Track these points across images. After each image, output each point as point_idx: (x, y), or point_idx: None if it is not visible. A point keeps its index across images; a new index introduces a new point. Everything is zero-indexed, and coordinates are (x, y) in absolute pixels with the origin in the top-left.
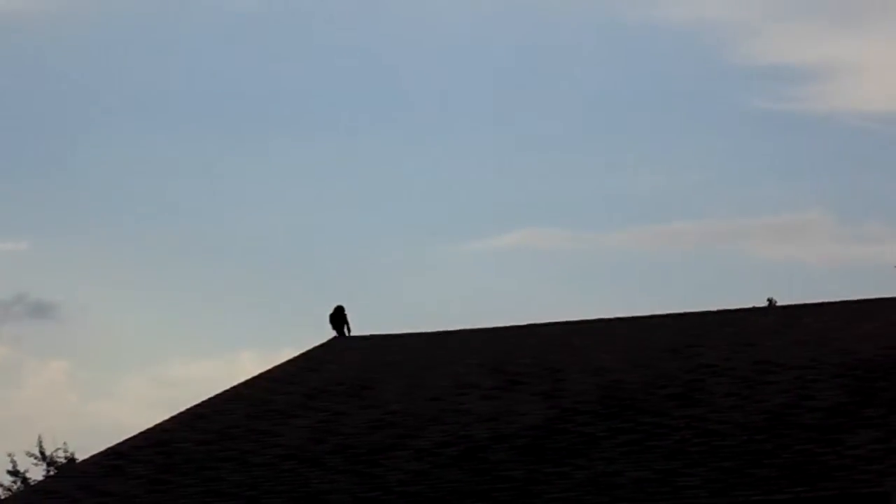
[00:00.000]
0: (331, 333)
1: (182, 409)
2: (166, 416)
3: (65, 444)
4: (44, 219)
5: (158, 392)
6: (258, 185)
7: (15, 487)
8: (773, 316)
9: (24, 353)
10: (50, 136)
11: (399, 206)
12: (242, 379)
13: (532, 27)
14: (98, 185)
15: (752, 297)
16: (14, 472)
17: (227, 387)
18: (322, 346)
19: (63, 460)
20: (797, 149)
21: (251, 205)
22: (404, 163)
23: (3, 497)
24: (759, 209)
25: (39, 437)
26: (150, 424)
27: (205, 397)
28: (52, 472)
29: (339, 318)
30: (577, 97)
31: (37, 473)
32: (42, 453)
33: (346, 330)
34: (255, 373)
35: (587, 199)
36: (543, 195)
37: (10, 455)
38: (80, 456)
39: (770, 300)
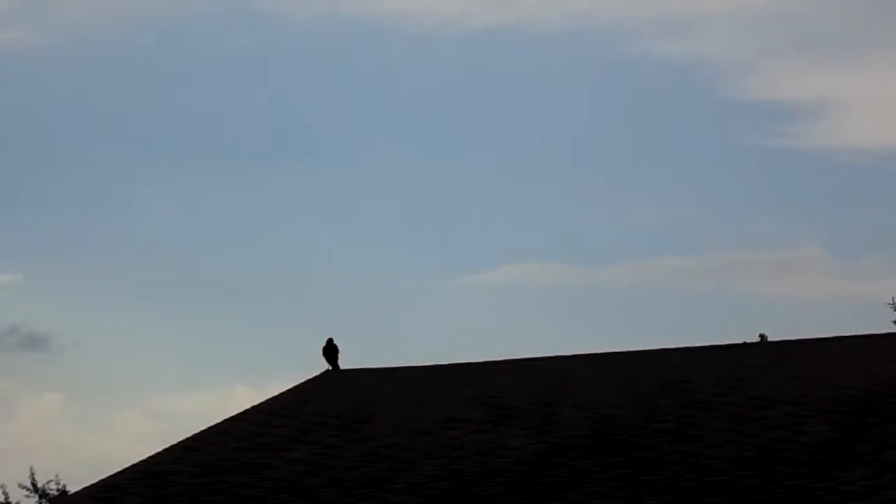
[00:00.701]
0: (324, 366)
1: (175, 442)
2: (159, 449)
3: (57, 476)
4: (38, 251)
5: (151, 425)
6: (252, 221)
7: None
8: (765, 351)
9: (17, 385)
10: (44, 170)
11: (392, 240)
12: (235, 412)
13: (529, 61)
14: (91, 218)
15: (746, 333)
16: None
17: (220, 420)
18: (315, 379)
19: (55, 492)
20: (793, 185)
21: (245, 239)
22: (398, 198)
23: None
24: (755, 245)
25: (31, 470)
26: (144, 457)
27: (198, 431)
28: None
29: (331, 350)
30: (573, 131)
31: None
32: (34, 485)
33: (335, 364)
34: (249, 406)
35: (581, 235)
36: (537, 230)
37: (1, 486)
38: (73, 488)
39: (762, 336)
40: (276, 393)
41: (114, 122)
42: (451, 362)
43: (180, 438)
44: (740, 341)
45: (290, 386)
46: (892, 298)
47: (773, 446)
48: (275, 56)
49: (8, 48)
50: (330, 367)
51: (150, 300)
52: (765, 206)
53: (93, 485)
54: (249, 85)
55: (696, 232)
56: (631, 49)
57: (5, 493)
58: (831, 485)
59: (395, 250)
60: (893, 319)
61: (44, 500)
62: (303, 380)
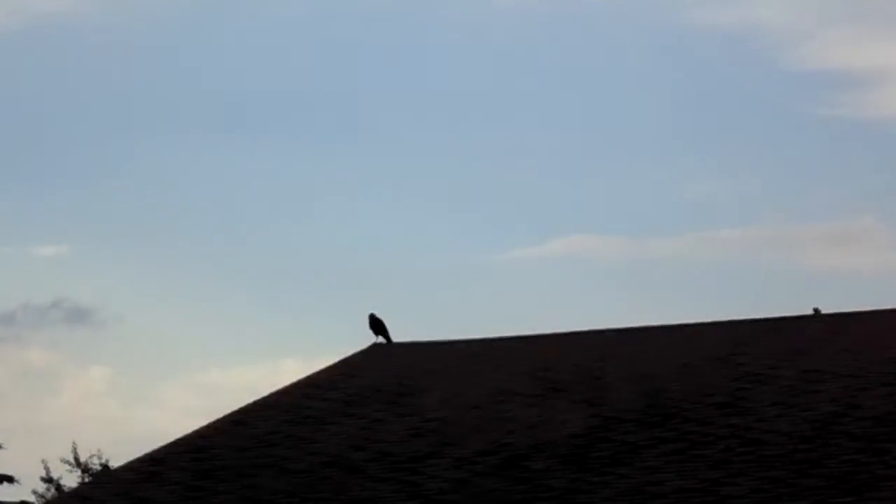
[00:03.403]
0: (373, 339)
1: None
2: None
3: (99, 450)
4: (84, 224)
5: (199, 399)
6: (300, 193)
7: (49, 494)
8: (820, 324)
9: (62, 359)
10: (91, 143)
11: (445, 212)
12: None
13: (583, 30)
14: (139, 191)
15: (802, 306)
16: (48, 479)
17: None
18: (361, 352)
19: (98, 467)
20: (850, 155)
21: (295, 211)
22: (449, 169)
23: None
24: (811, 216)
25: (74, 444)
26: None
27: (244, 404)
28: (86, 479)
29: (377, 324)
30: (626, 101)
31: (71, 480)
32: (76, 460)
33: (387, 336)
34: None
35: (635, 206)
36: (590, 202)
37: (43, 462)
38: (115, 463)
39: (816, 310)
40: (323, 367)
41: (159, 92)
42: (499, 336)
43: (226, 412)
44: (794, 314)
45: (339, 360)
46: None
47: (828, 420)
48: (326, 24)
49: (53, 17)
50: (383, 340)
51: (198, 273)
52: (821, 176)
53: (136, 459)
54: (302, 53)
55: (752, 203)
56: (686, 18)
57: (47, 468)
58: (887, 459)
59: (450, 222)
60: None
61: (86, 475)
62: (351, 353)
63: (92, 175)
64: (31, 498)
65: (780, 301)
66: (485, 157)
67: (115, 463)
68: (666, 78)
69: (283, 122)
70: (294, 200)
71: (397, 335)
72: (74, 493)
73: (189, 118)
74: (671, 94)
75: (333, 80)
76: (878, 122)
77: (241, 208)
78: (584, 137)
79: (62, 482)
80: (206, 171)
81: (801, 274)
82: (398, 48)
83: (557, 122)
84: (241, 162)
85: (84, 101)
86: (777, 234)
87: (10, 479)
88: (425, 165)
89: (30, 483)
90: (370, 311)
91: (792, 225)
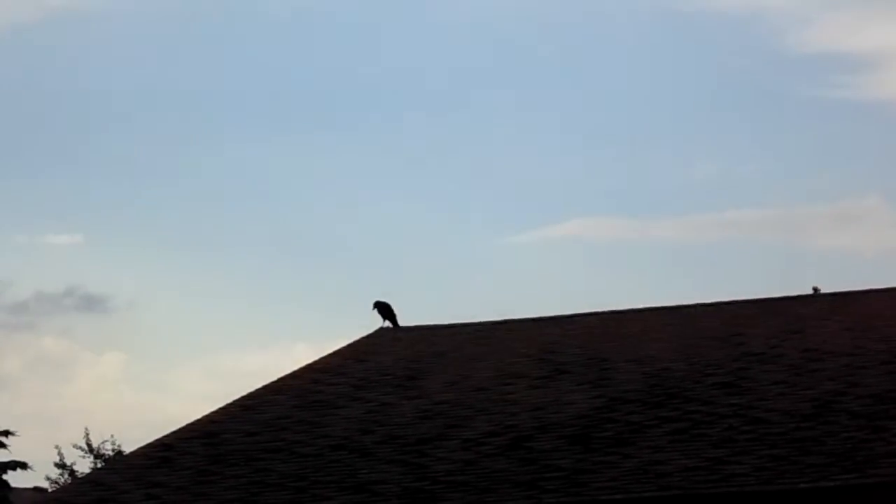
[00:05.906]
0: (380, 324)
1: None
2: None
3: (112, 436)
4: (97, 213)
5: (213, 384)
6: (315, 179)
7: (62, 480)
8: (820, 303)
9: (75, 345)
10: (105, 133)
11: (450, 198)
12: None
13: (588, 15)
14: (151, 179)
15: (807, 286)
16: (61, 465)
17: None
18: (369, 336)
19: (110, 453)
20: (855, 136)
21: (309, 197)
22: (456, 154)
23: (50, 489)
24: (815, 197)
25: (86, 430)
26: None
27: (253, 389)
28: (99, 465)
29: (385, 309)
30: (631, 86)
31: (84, 466)
32: (89, 446)
33: (394, 320)
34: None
35: (641, 188)
36: (597, 184)
37: (56, 448)
38: (128, 448)
39: (815, 289)
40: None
41: (171, 83)
42: (505, 318)
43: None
44: (795, 293)
45: (346, 344)
46: None
47: (829, 398)
48: (335, 15)
49: (69, 10)
50: (390, 325)
51: (210, 260)
52: (826, 157)
53: (147, 445)
54: (314, 43)
55: (756, 185)
56: (691, 2)
57: (60, 454)
58: (886, 436)
59: (455, 208)
60: None
61: (99, 461)
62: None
63: (105, 165)
64: (45, 484)
65: (785, 281)
66: (487, 142)
67: (128, 448)
68: (670, 61)
69: (291, 113)
70: (303, 189)
71: (404, 319)
72: (87, 478)
73: (199, 110)
74: (675, 76)
75: (334, 72)
76: (881, 103)
77: (252, 196)
78: (586, 120)
79: (75, 468)
80: (216, 160)
81: (806, 254)
82: (409, 34)
83: (561, 105)
84: (251, 151)
85: (98, 93)
86: (782, 214)
87: (23, 466)
88: (429, 152)
89: (43, 469)
90: (376, 300)
91: (797, 206)
